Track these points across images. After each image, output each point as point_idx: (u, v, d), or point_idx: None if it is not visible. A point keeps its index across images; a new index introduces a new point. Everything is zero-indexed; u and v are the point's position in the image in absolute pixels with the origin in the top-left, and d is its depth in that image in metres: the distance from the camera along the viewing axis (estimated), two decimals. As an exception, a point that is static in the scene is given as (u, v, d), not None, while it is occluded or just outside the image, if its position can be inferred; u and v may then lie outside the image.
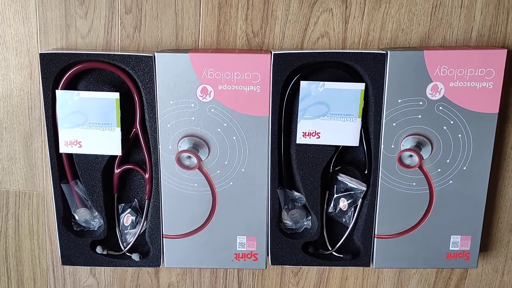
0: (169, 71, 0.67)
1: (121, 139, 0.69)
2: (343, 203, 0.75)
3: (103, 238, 0.75)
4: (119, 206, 0.75)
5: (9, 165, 0.78)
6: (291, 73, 0.68)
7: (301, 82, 0.67)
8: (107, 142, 0.69)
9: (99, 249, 0.74)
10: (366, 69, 0.67)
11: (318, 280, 0.83)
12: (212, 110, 0.70)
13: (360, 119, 0.69)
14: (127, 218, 0.76)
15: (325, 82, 0.67)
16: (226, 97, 0.68)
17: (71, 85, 0.69)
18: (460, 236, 0.74)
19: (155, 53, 0.67)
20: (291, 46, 0.72)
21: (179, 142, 0.70)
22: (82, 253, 0.75)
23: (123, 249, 0.75)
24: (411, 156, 0.69)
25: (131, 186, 0.75)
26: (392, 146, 0.70)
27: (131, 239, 0.75)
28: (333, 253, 0.76)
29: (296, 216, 0.75)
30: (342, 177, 0.74)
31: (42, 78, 0.68)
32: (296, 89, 0.68)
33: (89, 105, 0.67)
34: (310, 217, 0.76)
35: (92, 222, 0.75)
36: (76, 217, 0.74)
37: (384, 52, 0.67)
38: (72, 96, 0.67)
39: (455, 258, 0.75)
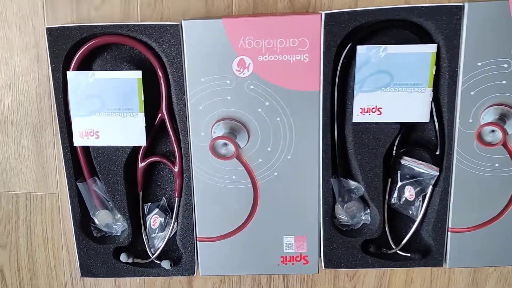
0: (199, 42, 0.56)
1: (146, 126, 0.59)
2: (409, 192, 0.64)
3: (128, 244, 0.64)
4: (145, 206, 0.64)
5: (17, 164, 0.68)
6: (346, 37, 0.57)
7: (358, 47, 0.56)
8: (129, 130, 0.59)
9: (123, 257, 0.64)
10: (437, 27, 0.55)
11: (378, 284, 0.70)
12: (252, 86, 0.60)
13: (431, 89, 0.57)
14: (154, 219, 0.66)
15: (387, 46, 0.56)
16: (268, 70, 0.57)
17: (85, 65, 0.59)
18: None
19: (182, 21, 0.56)
20: (342, 6, 0.61)
21: (213, 127, 0.60)
22: (104, 263, 0.65)
23: (151, 256, 0.65)
24: (493, 131, 0.58)
25: (157, 182, 0.65)
26: (470, 120, 0.59)
27: (159, 244, 0.65)
28: (398, 252, 0.65)
29: (353, 210, 0.65)
30: (408, 161, 0.62)
31: (50, 58, 0.58)
32: (351, 56, 0.57)
33: (107, 87, 0.57)
34: (368, 210, 0.65)
35: (114, 226, 0.65)
36: (96, 221, 0.64)
37: (461, 4, 0.55)
38: (86, 77, 0.57)
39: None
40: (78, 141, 0.60)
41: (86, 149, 0.61)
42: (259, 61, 0.58)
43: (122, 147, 0.60)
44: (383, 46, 0.57)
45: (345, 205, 0.64)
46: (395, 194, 0.64)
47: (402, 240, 0.64)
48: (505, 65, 0.56)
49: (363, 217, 0.66)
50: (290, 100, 0.59)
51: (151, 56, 0.58)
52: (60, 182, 0.68)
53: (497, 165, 0.60)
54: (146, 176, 0.64)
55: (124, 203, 0.62)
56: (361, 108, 0.60)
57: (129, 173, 0.62)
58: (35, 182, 0.69)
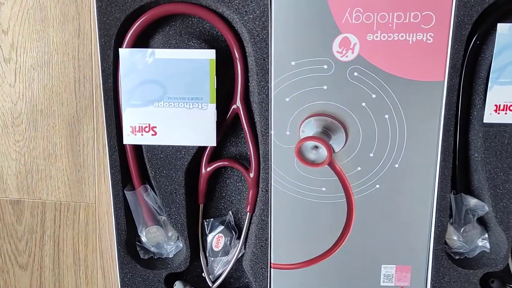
0: (292, 14, 0.44)
1: (216, 121, 0.47)
2: (545, 214, 0.53)
3: (185, 269, 0.52)
4: (205, 223, 0.53)
5: (45, 166, 0.56)
6: (484, 12, 0.44)
7: (499, 25, 0.44)
8: (195, 126, 0.46)
9: (178, 287, 0.52)
10: None
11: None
12: (356, 73, 0.47)
13: None
14: (217, 239, 0.54)
15: (537, 25, 0.46)
16: (378, 53, 0.44)
17: (142, 41, 0.47)
18: None
19: (272, -14, 0.45)
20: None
21: (301, 125, 0.47)
22: (153, 292, 0.55)
23: (210, 285, 0.53)
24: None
25: (222, 193, 0.52)
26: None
27: (220, 270, 0.52)
28: None
29: (472, 234, 0.53)
30: (545, 174, 0.53)
31: (99, 31, 0.45)
32: (486, 37, 0.45)
33: (169, 70, 0.45)
34: (486, 235, 0.55)
35: (167, 246, 0.53)
36: (144, 239, 0.52)
37: None
38: (143, 57, 0.45)
39: None
40: (129, 139, 0.47)
41: (138, 149, 0.49)
42: (367, 40, 0.46)
43: (185, 147, 0.48)
44: (530, 25, 0.46)
45: (462, 228, 0.53)
46: (525, 216, 0.53)
47: None
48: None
49: (480, 244, 0.54)
50: (404, 92, 0.46)
51: (227, 31, 0.45)
52: (99, 189, 0.56)
53: None
54: (209, 185, 0.52)
55: (182, 218, 0.50)
56: (495, 105, 0.47)
57: (191, 180, 0.50)
58: (67, 189, 0.56)
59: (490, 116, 0.47)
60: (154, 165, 0.49)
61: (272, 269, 0.52)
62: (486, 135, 0.48)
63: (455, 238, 0.52)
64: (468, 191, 0.51)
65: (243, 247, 0.52)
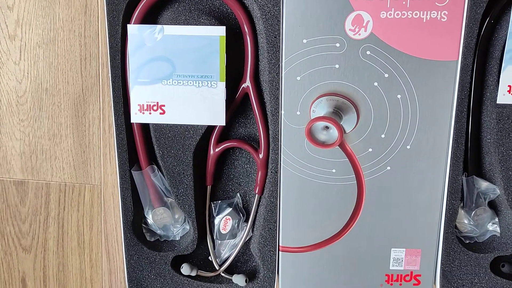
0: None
1: (226, 100, 0.48)
2: (558, 198, 0.54)
3: (191, 252, 0.53)
4: (213, 205, 0.53)
5: (50, 146, 0.56)
6: (499, -10, 0.46)
7: (515, 3, 0.47)
8: (205, 105, 0.47)
9: (186, 269, 0.52)
10: None
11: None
12: (368, 52, 0.47)
13: None
14: (225, 222, 0.55)
15: (553, 4, 0.47)
16: (392, 31, 0.45)
17: (151, 18, 0.47)
18: None
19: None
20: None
21: (312, 104, 0.48)
22: (159, 275, 0.53)
23: (217, 268, 0.53)
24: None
25: (230, 175, 0.53)
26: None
27: (227, 253, 0.53)
28: None
29: (483, 218, 0.53)
30: (558, 157, 0.53)
31: (107, 5, 0.46)
32: (500, 16, 0.45)
33: (178, 47, 0.45)
34: (496, 219, 0.55)
35: (173, 229, 0.53)
36: (150, 221, 0.52)
37: None
38: (152, 33, 0.45)
39: None
40: (136, 117, 0.48)
41: (145, 128, 0.49)
42: (381, 18, 0.46)
43: (193, 126, 0.48)
44: (546, 4, 0.47)
45: (473, 212, 0.53)
46: (537, 200, 0.54)
47: None
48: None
49: (491, 228, 0.55)
50: (417, 72, 0.46)
51: (237, 7, 0.46)
52: (105, 170, 0.56)
53: None
54: (216, 166, 0.52)
55: (190, 200, 0.50)
56: (509, 86, 0.47)
57: (199, 161, 0.50)
58: (73, 170, 0.57)
59: (503, 97, 0.48)
60: (161, 145, 0.49)
61: (280, 252, 0.54)
62: (500, 116, 0.48)
63: (465, 221, 0.53)
64: (479, 173, 0.52)
65: (251, 230, 0.53)
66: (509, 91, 0.47)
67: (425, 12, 0.46)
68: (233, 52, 0.49)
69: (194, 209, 0.51)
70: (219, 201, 0.53)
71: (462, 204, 0.52)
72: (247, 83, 0.48)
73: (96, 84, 0.54)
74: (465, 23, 0.46)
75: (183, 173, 0.50)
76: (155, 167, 0.51)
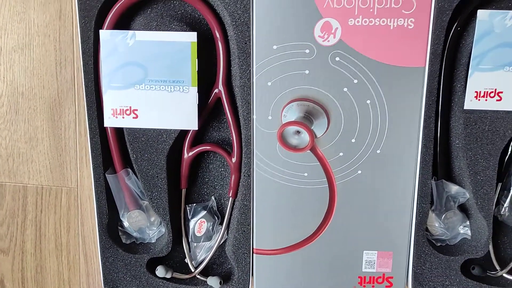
0: (273, -3, 0.47)
1: (198, 105, 0.49)
2: (526, 201, 0.55)
3: (166, 254, 0.53)
4: (188, 208, 0.54)
5: (27, 149, 0.57)
6: (465, -2, 0.47)
7: (479, 11, 0.45)
8: (177, 110, 0.47)
9: (160, 271, 0.53)
10: None
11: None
12: (337, 58, 0.48)
13: None
14: (200, 224, 0.55)
15: (517, 12, 0.48)
16: (360, 38, 0.46)
17: (123, 23, 0.48)
18: None
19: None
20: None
21: (283, 109, 0.48)
22: (134, 277, 0.53)
23: (192, 270, 0.54)
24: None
25: (205, 178, 0.53)
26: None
27: (203, 255, 0.54)
28: (505, 276, 0.55)
29: (453, 221, 0.54)
30: (526, 162, 0.54)
31: (79, 11, 0.46)
32: (467, 23, 0.46)
33: (150, 52, 0.46)
34: (467, 222, 0.56)
35: (149, 231, 0.54)
36: (126, 224, 0.53)
37: None
38: (124, 38, 0.46)
39: None
40: (110, 121, 0.48)
41: (119, 132, 0.50)
42: (349, 25, 0.47)
43: (166, 131, 0.49)
44: (511, 12, 0.46)
45: (443, 215, 0.54)
46: (506, 203, 0.54)
47: (510, 262, 0.54)
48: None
49: (462, 231, 0.56)
50: (386, 78, 0.47)
51: (208, 13, 0.47)
52: (81, 173, 0.57)
53: None
54: (191, 170, 0.53)
55: (164, 203, 0.51)
56: (476, 92, 0.49)
57: (172, 164, 0.51)
58: (49, 173, 0.57)
59: (470, 102, 0.49)
60: (135, 149, 0.50)
61: (254, 255, 0.54)
62: (467, 121, 0.49)
63: (436, 225, 0.54)
64: (449, 177, 0.53)
65: (225, 232, 0.54)
66: (476, 97, 0.49)
67: (392, 19, 0.47)
68: (206, 57, 0.49)
69: (168, 212, 0.52)
70: (194, 204, 0.54)
71: (433, 207, 0.54)
72: (219, 88, 0.49)
73: (71, 88, 0.55)
74: (432, 30, 0.47)
75: (157, 176, 0.51)
76: (130, 170, 0.52)
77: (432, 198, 0.52)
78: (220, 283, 0.53)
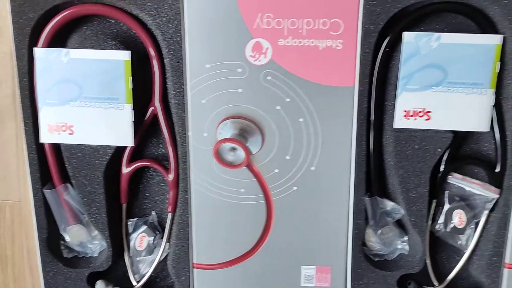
0: (204, 18, 0.46)
1: (134, 122, 0.49)
2: (459, 218, 0.54)
3: (107, 268, 0.54)
4: (129, 223, 0.54)
5: (-29, 164, 0.59)
6: (390, 21, 0.46)
7: (405, 33, 0.46)
8: (112, 126, 0.48)
9: (100, 286, 0.53)
10: (505, 13, 0.45)
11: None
12: (269, 77, 0.49)
13: (493, 90, 0.48)
14: (140, 239, 0.56)
15: (442, 34, 0.46)
16: (290, 58, 0.47)
17: (58, 41, 0.49)
18: None
19: (184, -10, 0.48)
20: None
21: (218, 126, 0.49)
22: (75, 291, 0.57)
23: (134, 284, 0.55)
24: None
25: (146, 193, 0.54)
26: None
27: (146, 269, 0.55)
28: None
29: (389, 237, 0.55)
30: (458, 179, 0.52)
31: (14, 29, 0.47)
32: (396, 44, 0.47)
33: (85, 70, 0.47)
34: (406, 238, 0.56)
35: (90, 246, 0.54)
36: (67, 238, 0.54)
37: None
38: (58, 56, 0.47)
39: None
40: (46, 137, 0.49)
41: (56, 147, 0.51)
42: (279, 45, 0.48)
43: (103, 147, 0.50)
44: (436, 34, 0.47)
45: (379, 231, 0.54)
46: (441, 220, 0.54)
47: (447, 276, 0.56)
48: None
49: (399, 246, 0.56)
50: (317, 97, 0.48)
51: (142, 33, 0.47)
52: (24, 187, 0.58)
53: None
54: (132, 185, 0.54)
55: (103, 217, 0.52)
56: (405, 111, 0.50)
57: (111, 180, 0.52)
58: (-7, 187, 0.60)
59: (400, 121, 0.50)
60: (72, 164, 0.51)
61: (194, 269, 0.55)
62: (397, 139, 0.50)
63: (373, 240, 0.54)
64: (385, 194, 0.54)
65: (166, 247, 0.55)
66: (405, 116, 0.49)
67: (321, 40, 0.48)
68: (143, 74, 0.50)
69: (107, 227, 0.52)
70: (135, 219, 0.55)
71: (373, 223, 0.55)
72: (156, 105, 0.50)
73: (12, 103, 0.56)
74: (360, 51, 0.48)
75: (95, 192, 0.51)
76: (69, 185, 0.52)
77: (368, 214, 0.54)
78: (159, 297, 0.55)
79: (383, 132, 0.51)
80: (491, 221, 0.52)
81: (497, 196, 0.51)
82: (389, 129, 0.50)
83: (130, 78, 0.47)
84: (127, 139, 0.49)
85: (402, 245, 0.55)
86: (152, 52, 0.48)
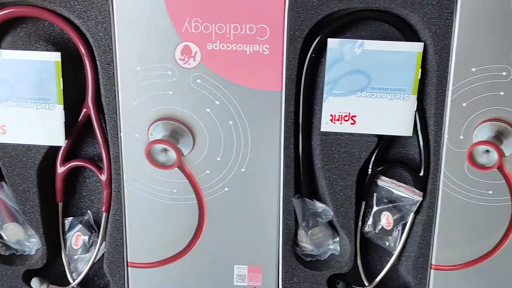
0: (134, 21, 0.47)
1: (65, 122, 0.49)
2: (387, 220, 0.55)
3: (42, 266, 0.54)
4: (66, 221, 0.55)
5: None
6: (315, 27, 0.48)
7: (329, 40, 0.48)
8: (44, 126, 0.49)
9: (35, 283, 0.54)
10: (425, 21, 0.47)
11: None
12: (199, 80, 0.50)
13: (415, 96, 0.50)
14: (76, 238, 0.55)
15: (365, 41, 0.48)
16: (219, 62, 0.48)
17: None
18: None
19: (114, -6, 0.49)
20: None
21: (150, 128, 0.50)
22: (11, 288, 0.57)
23: (71, 282, 0.55)
24: (487, 151, 0.51)
25: (83, 193, 0.55)
26: (461, 137, 0.49)
27: (83, 268, 0.56)
28: None
29: (319, 237, 0.56)
30: (386, 182, 0.53)
31: None
32: (322, 50, 0.49)
33: (16, 70, 0.47)
34: (337, 239, 0.58)
35: (27, 244, 0.55)
36: (3, 236, 0.54)
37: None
38: (-10, 57, 0.49)
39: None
40: (-21, 137, 0.51)
41: (-11, 147, 0.53)
42: (208, 49, 0.49)
43: (35, 146, 0.51)
44: (359, 41, 0.48)
45: (309, 231, 0.56)
46: (370, 221, 0.55)
47: (376, 276, 0.56)
48: (504, 73, 0.48)
49: (331, 247, 0.57)
50: (246, 100, 0.49)
51: (75, 35, 0.48)
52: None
53: (491, 192, 0.51)
54: (68, 184, 0.55)
55: (37, 216, 0.52)
56: (331, 115, 0.51)
57: (45, 179, 0.52)
58: None
59: (326, 125, 0.51)
60: (5, 163, 0.51)
61: (129, 268, 0.56)
62: (323, 143, 0.51)
63: (304, 240, 0.56)
64: (315, 196, 0.55)
65: (102, 245, 0.55)
66: (331, 120, 0.51)
67: (248, 45, 0.49)
68: (78, 76, 0.51)
69: (41, 225, 0.53)
70: (71, 218, 0.56)
71: (305, 224, 0.56)
72: (89, 106, 0.51)
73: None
74: (286, 56, 0.49)
75: (28, 190, 0.52)
76: (4, 184, 0.53)
77: (297, 215, 0.55)
78: (93, 295, 0.55)
79: (312, 135, 0.53)
80: (417, 223, 0.54)
81: (420, 199, 0.52)
82: (317, 133, 0.52)
83: (61, 79, 0.49)
84: (58, 139, 0.50)
85: (334, 246, 0.57)
86: (84, 54, 0.49)
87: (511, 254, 0.52)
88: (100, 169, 0.53)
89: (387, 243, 0.55)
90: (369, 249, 0.57)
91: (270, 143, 0.51)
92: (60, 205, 0.54)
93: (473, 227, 0.52)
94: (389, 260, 0.55)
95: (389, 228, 0.55)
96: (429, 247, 0.53)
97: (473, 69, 0.48)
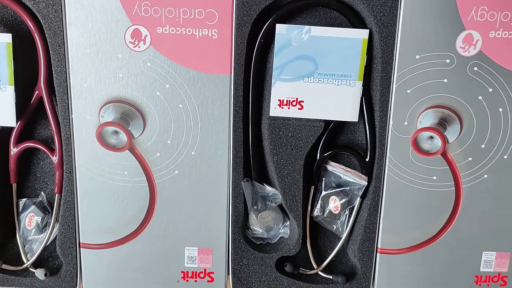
0: (84, 3, 0.47)
1: (18, 103, 0.49)
2: (334, 204, 0.56)
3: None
4: (20, 202, 0.55)
5: None
6: (263, 13, 0.48)
7: (277, 25, 0.48)
8: (-6, 107, 0.52)
9: (-14, 263, 0.57)
10: (370, 8, 0.48)
11: (298, 309, 0.65)
12: (148, 64, 0.50)
13: (361, 82, 0.51)
14: (30, 218, 0.56)
15: (312, 27, 0.48)
16: (168, 46, 0.48)
17: None
18: (495, 252, 0.58)
19: (62, -24, 0.49)
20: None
21: (100, 110, 0.50)
22: (-36, 268, 0.57)
23: (25, 262, 0.56)
24: (431, 137, 0.53)
25: (36, 174, 0.55)
26: (405, 123, 0.51)
27: (38, 248, 0.58)
28: (319, 273, 0.57)
29: (268, 220, 0.57)
30: (334, 167, 0.54)
31: None
32: (270, 36, 0.49)
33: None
34: (288, 223, 0.58)
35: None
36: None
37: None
38: None
39: (488, 283, 0.59)
40: None
41: None
42: (158, 33, 0.49)
43: (-14, 127, 0.53)
44: (306, 27, 0.49)
45: (259, 215, 0.56)
46: (318, 205, 0.56)
47: (325, 260, 0.56)
48: (448, 61, 0.49)
49: (281, 230, 0.58)
50: (195, 84, 0.50)
51: (26, 16, 0.48)
52: None
53: (435, 177, 0.52)
54: (23, 166, 0.55)
55: (-10, 197, 0.55)
56: (279, 100, 0.52)
57: (-2, 160, 0.55)
58: None
59: (275, 110, 0.52)
60: (-44, 143, 0.53)
61: (81, 249, 0.56)
62: (272, 127, 0.52)
63: (254, 223, 0.56)
64: (265, 180, 0.56)
65: (56, 226, 0.56)
66: (279, 105, 0.51)
67: (197, 29, 0.49)
68: (31, 56, 0.51)
69: (-5, 206, 0.54)
70: (25, 199, 0.56)
71: (255, 208, 0.57)
72: (41, 88, 0.51)
73: None
74: (234, 41, 0.50)
75: (-20, 171, 0.53)
76: (-44, 164, 0.54)
77: (246, 198, 0.55)
78: (46, 275, 0.55)
79: (262, 120, 0.53)
80: (363, 207, 0.55)
81: (366, 183, 0.53)
82: (266, 117, 0.53)
83: (12, 60, 0.49)
84: (9, 120, 0.50)
85: (284, 230, 0.57)
86: (36, 36, 0.49)
87: (454, 239, 0.54)
88: (52, 150, 0.53)
89: (335, 227, 0.56)
90: (319, 233, 0.58)
91: (220, 127, 0.52)
92: (14, 186, 0.55)
93: (417, 212, 0.54)
94: (337, 244, 0.57)
95: (336, 212, 0.56)
96: (375, 231, 0.54)
97: (418, 56, 0.49)
